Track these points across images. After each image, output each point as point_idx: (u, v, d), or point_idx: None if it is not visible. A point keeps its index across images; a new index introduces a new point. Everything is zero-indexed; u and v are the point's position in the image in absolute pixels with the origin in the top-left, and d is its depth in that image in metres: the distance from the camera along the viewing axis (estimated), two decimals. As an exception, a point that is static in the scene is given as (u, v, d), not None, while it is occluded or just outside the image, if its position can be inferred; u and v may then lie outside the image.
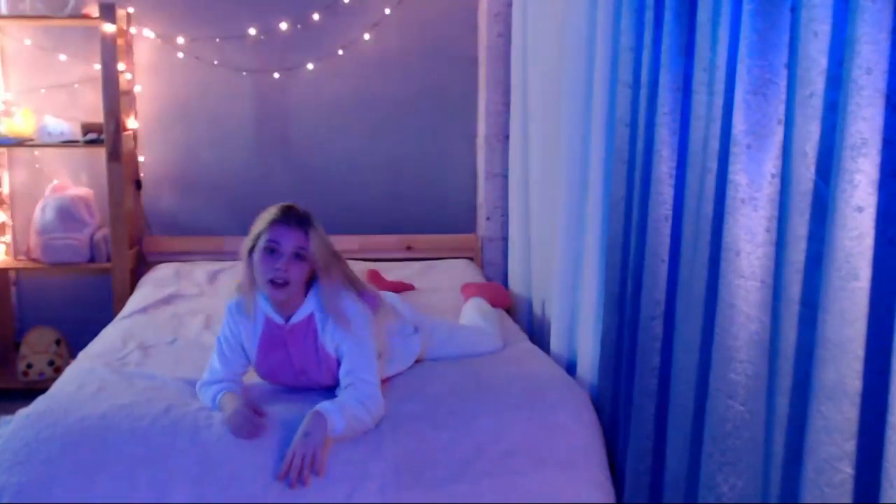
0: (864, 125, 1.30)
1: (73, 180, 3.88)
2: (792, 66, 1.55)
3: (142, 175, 3.92)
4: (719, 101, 1.74)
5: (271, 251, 2.14)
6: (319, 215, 2.23)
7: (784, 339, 1.54)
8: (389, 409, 2.22)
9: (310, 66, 3.92)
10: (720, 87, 1.73)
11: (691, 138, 1.86)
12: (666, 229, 2.03)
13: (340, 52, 3.90)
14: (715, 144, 1.76)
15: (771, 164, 1.61)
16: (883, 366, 1.33)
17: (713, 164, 1.77)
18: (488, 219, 3.83)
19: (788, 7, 1.55)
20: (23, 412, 2.22)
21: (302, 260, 2.16)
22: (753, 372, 1.67)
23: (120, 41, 3.53)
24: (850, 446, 1.39)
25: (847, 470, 1.39)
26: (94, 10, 3.49)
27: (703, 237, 1.82)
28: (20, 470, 2.04)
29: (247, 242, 2.21)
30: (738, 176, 1.64)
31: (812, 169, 1.45)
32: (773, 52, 1.58)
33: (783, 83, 1.58)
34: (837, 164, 1.34)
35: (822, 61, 1.42)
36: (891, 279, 1.33)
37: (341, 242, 3.90)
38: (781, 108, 1.59)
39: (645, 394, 2.13)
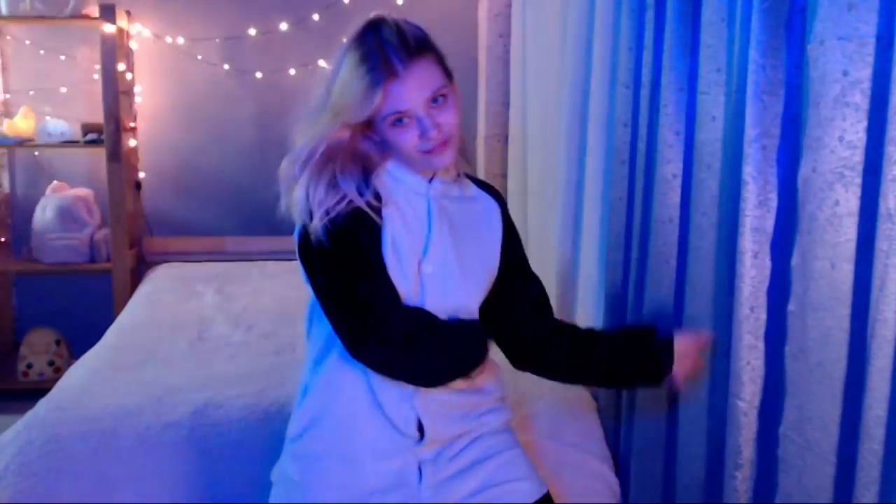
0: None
1: (73, 180, 3.88)
2: (803, 66, 1.54)
3: (142, 175, 3.92)
4: (732, 101, 1.73)
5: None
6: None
7: (796, 340, 1.54)
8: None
9: (309, 66, 3.92)
10: (734, 87, 1.73)
11: (705, 139, 1.85)
12: (671, 230, 2.03)
13: (340, 52, 3.90)
14: (728, 145, 1.75)
15: (782, 165, 1.61)
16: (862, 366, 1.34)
17: (727, 165, 1.77)
18: (488, 219, 3.83)
19: (799, 7, 1.55)
20: (24, 418, 2.21)
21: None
22: (765, 373, 1.68)
23: (120, 41, 3.53)
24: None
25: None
26: (94, 10, 3.50)
27: (716, 238, 1.82)
28: (22, 474, 2.04)
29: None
30: (751, 176, 1.64)
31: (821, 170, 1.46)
32: (784, 52, 1.57)
33: (795, 83, 1.58)
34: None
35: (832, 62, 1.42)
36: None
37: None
38: (794, 109, 1.58)
39: (649, 394, 2.13)
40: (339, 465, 1.56)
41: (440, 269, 1.55)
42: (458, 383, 1.58)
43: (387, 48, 1.43)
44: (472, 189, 1.67)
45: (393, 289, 1.48)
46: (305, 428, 1.59)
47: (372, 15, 1.48)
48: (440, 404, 1.57)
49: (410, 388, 1.54)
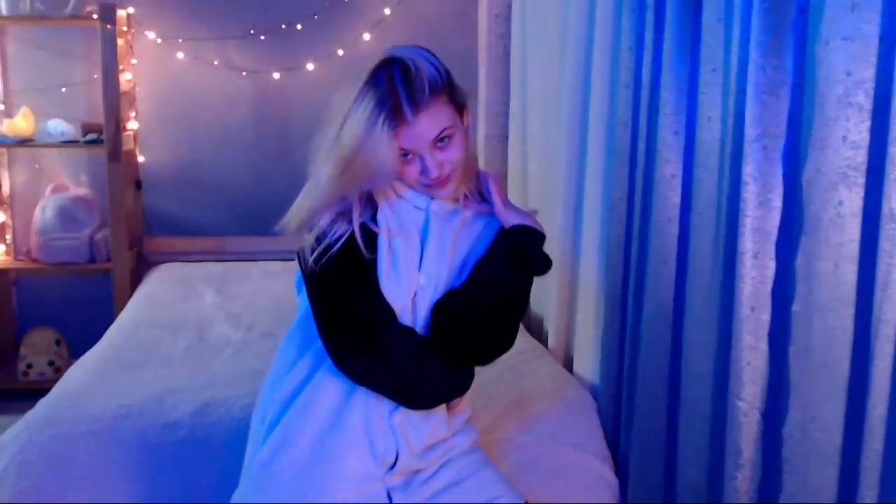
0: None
1: (73, 180, 3.88)
2: (804, 66, 1.54)
3: (142, 175, 3.92)
4: (731, 101, 1.73)
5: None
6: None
7: (800, 340, 1.54)
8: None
9: (310, 66, 3.92)
10: (733, 87, 1.73)
11: (704, 139, 1.85)
12: (670, 231, 2.03)
13: (340, 52, 3.90)
14: (728, 145, 1.75)
15: (781, 167, 1.61)
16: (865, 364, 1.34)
17: (726, 165, 1.77)
18: (488, 219, 3.82)
19: (800, 7, 1.55)
20: (24, 417, 2.21)
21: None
22: (767, 374, 1.67)
23: (120, 41, 3.53)
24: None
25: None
26: (94, 11, 3.49)
27: (716, 238, 1.82)
28: (22, 474, 2.04)
29: None
30: (751, 177, 1.64)
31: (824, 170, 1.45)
32: (784, 52, 1.58)
33: (797, 83, 1.58)
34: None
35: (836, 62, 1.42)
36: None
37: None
38: (794, 109, 1.59)
39: (649, 394, 2.13)
40: (306, 495, 1.55)
41: (432, 282, 1.57)
42: (439, 410, 1.61)
43: (400, 94, 1.43)
44: (475, 210, 1.65)
45: (386, 304, 1.51)
46: (275, 452, 1.58)
47: (388, 53, 1.48)
48: (419, 432, 1.59)
49: (388, 409, 1.56)
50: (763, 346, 1.68)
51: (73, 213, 3.65)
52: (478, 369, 1.63)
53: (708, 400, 1.88)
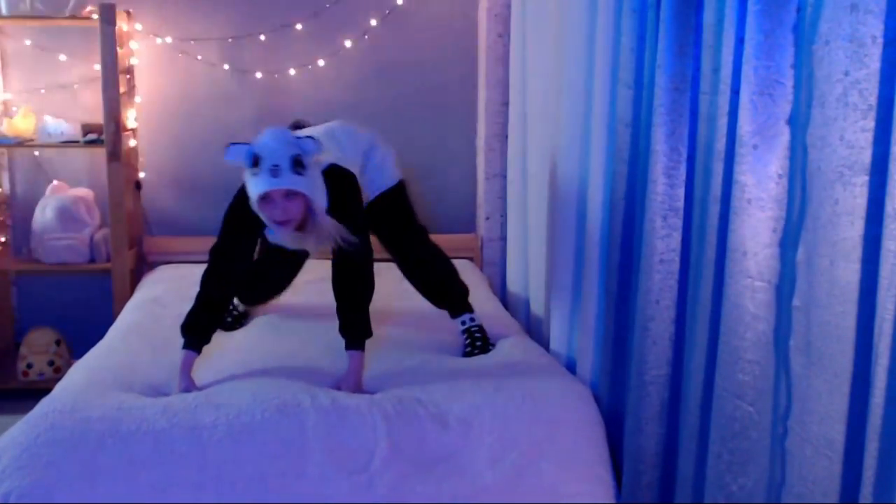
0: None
1: (73, 180, 3.88)
2: (798, 66, 1.55)
3: (142, 175, 3.92)
4: (725, 101, 1.74)
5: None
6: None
7: (800, 335, 1.54)
8: (386, 404, 2.23)
9: (309, 66, 3.92)
10: (726, 87, 1.73)
11: (702, 139, 1.85)
12: (663, 230, 2.03)
13: (340, 52, 3.90)
14: (722, 144, 1.76)
15: (777, 165, 1.61)
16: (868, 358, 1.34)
17: (720, 165, 1.77)
18: (488, 219, 3.83)
19: (794, 7, 1.55)
20: (25, 417, 2.21)
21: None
22: (761, 372, 1.68)
23: (120, 41, 3.53)
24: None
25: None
26: (94, 11, 3.49)
27: (709, 237, 1.82)
28: (23, 473, 2.04)
29: None
30: (745, 176, 1.65)
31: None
32: (779, 52, 1.58)
33: (790, 83, 1.58)
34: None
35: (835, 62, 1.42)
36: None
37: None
38: (788, 109, 1.59)
39: (644, 394, 2.13)
40: None
41: None
42: None
43: None
44: None
45: None
46: None
47: None
48: None
49: None
50: (765, 342, 1.68)
51: (73, 213, 3.65)
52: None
53: (707, 398, 1.88)
